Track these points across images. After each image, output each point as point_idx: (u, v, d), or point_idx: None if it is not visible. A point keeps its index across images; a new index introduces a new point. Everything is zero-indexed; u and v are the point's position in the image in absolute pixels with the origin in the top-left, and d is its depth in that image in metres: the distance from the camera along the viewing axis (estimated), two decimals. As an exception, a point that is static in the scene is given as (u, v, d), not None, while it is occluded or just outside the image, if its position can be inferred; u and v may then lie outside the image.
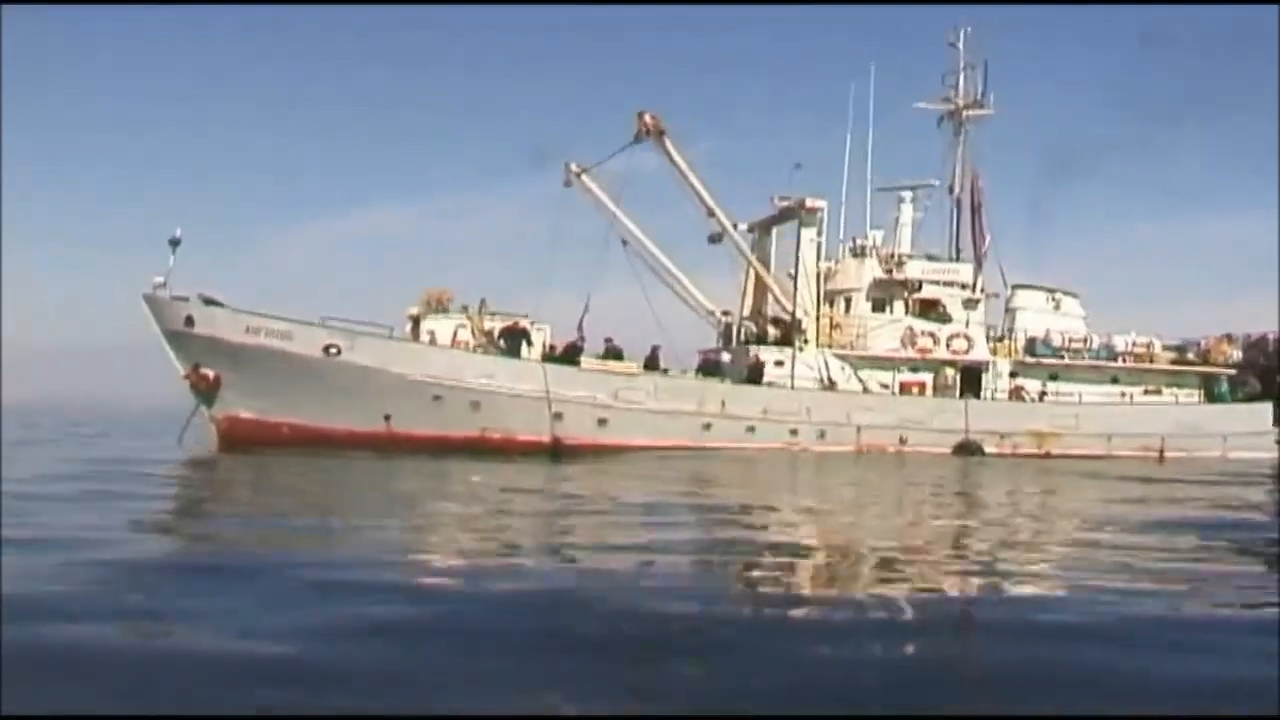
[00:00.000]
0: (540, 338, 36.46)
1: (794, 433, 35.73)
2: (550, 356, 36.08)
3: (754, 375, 37.09)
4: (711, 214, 37.91)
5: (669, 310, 39.01)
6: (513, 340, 35.96)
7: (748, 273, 40.38)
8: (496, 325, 36.25)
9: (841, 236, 40.21)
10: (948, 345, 38.58)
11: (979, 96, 40.83)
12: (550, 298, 51.30)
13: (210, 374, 34.23)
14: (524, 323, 36.46)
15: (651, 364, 36.53)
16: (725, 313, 39.81)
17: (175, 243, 33.82)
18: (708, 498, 20.36)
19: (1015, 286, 41.04)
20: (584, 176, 38.67)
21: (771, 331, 38.12)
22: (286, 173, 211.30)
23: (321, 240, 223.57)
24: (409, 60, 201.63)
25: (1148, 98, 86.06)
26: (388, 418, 34.07)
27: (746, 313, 40.09)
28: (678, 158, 37.13)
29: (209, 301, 34.41)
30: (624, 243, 38.67)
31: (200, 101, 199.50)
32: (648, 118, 36.77)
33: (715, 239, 40.27)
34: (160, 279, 33.98)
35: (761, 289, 40.19)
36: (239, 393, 34.02)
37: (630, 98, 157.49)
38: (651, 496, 19.28)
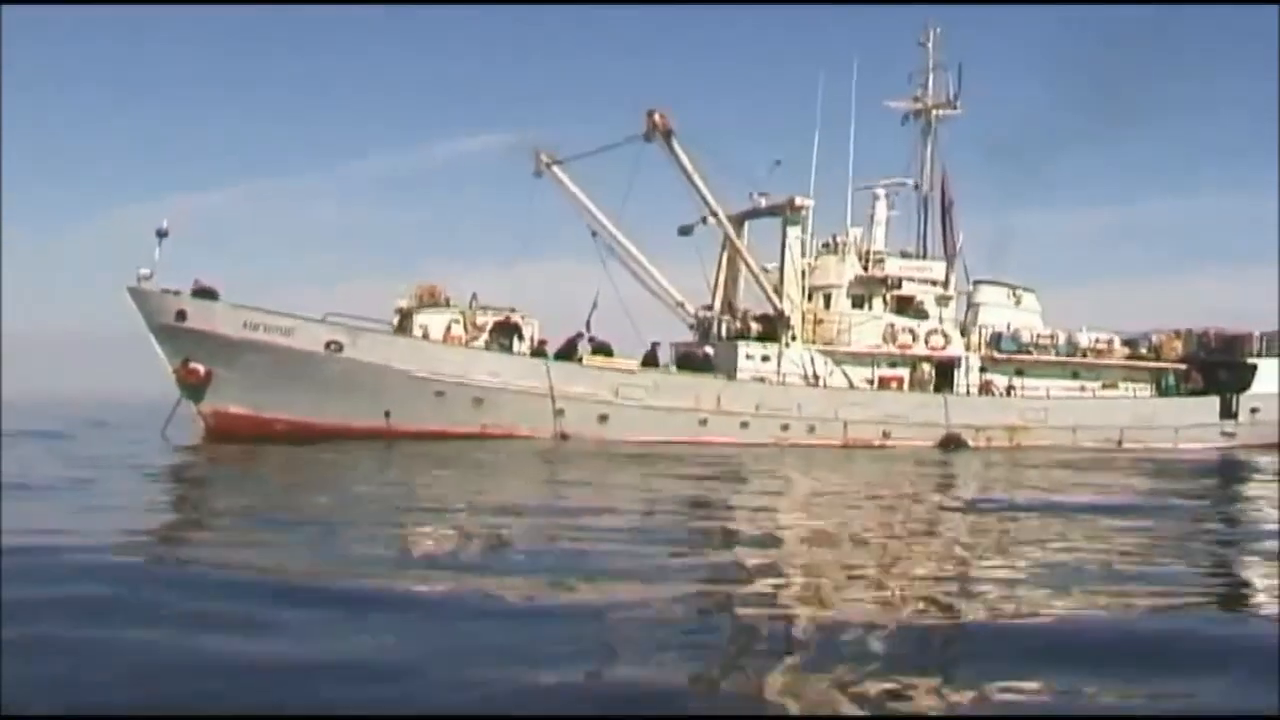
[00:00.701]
0: (529, 332, 36.88)
1: (785, 428, 36.77)
2: (539, 351, 36.55)
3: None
4: (714, 214, 38.54)
5: (633, 301, 39.73)
6: (505, 335, 36.37)
7: (720, 266, 41.16)
8: (489, 320, 36.53)
9: (812, 233, 40.85)
10: (926, 341, 39.93)
11: (950, 96, 42.04)
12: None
13: (201, 369, 33.93)
14: (515, 317, 36.82)
15: (650, 361, 37.25)
16: (706, 307, 40.55)
17: (162, 234, 33.46)
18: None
19: (977, 282, 42.51)
20: (555, 168, 39.05)
21: (755, 327, 38.99)
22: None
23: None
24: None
25: (1092, 98, 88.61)
26: (388, 414, 34.25)
27: (716, 306, 40.86)
28: (683, 157, 37.54)
29: (204, 293, 34.10)
30: (593, 234, 39.22)
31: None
32: (657, 117, 37.10)
33: (685, 231, 41.02)
34: (146, 271, 33.53)
35: (732, 283, 41.04)
36: (231, 387, 33.80)
37: (589, 83, 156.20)
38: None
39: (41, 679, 6.93)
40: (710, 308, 40.55)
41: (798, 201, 38.68)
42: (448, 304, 36.83)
